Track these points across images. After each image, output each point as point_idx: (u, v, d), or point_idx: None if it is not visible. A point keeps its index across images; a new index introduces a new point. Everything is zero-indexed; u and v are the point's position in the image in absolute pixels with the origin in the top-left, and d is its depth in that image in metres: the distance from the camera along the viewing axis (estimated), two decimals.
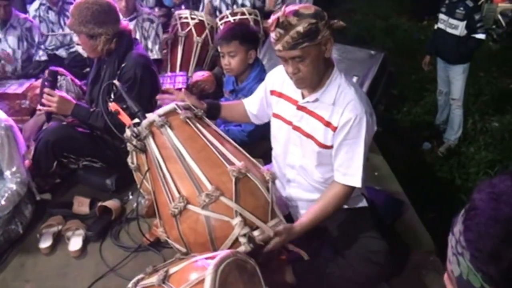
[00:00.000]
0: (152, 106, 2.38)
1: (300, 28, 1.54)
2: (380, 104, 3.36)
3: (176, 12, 3.86)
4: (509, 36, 6.40)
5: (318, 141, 1.76)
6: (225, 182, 1.56)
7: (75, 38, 3.39)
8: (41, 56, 3.67)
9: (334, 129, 1.71)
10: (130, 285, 1.38)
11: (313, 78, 1.69)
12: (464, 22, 3.78)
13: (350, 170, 1.73)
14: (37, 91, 2.61)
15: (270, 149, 2.05)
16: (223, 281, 1.18)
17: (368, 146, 1.76)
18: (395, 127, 4.43)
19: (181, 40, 3.64)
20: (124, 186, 2.43)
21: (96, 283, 1.92)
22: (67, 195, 2.46)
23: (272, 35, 1.60)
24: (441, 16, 3.99)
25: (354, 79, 2.78)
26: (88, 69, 3.40)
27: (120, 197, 2.38)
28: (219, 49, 2.58)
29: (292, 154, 1.89)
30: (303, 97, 1.80)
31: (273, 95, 1.93)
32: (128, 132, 1.72)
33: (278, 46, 1.59)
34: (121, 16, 2.48)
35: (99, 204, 2.27)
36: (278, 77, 1.90)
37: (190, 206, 1.55)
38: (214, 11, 4.02)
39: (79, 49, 3.52)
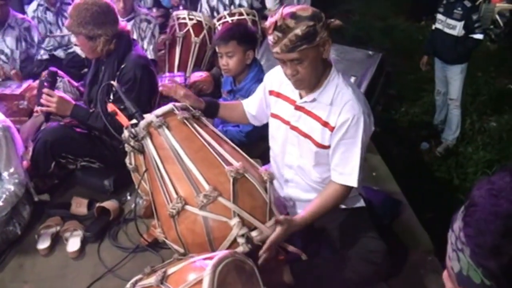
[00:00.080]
0: (151, 107, 2.38)
1: (298, 31, 1.54)
2: (378, 104, 3.36)
3: (174, 13, 3.87)
4: (507, 36, 6.40)
5: (316, 141, 1.77)
6: (223, 183, 1.56)
7: (73, 39, 3.38)
8: (43, 55, 3.68)
9: (332, 129, 1.71)
10: (128, 285, 1.38)
11: (312, 79, 1.70)
12: (462, 22, 3.78)
13: (347, 170, 1.73)
14: (35, 92, 2.61)
15: (268, 149, 2.05)
16: (221, 281, 1.18)
17: (366, 146, 1.76)
18: (393, 127, 4.42)
19: (179, 41, 3.64)
20: (122, 187, 2.42)
21: (95, 284, 1.91)
22: (65, 196, 2.46)
23: (270, 38, 1.60)
24: (439, 16, 3.98)
25: (352, 79, 2.79)
26: (86, 70, 3.39)
27: (118, 198, 2.37)
28: (217, 50, 2.58)
29: (290, 154, 1.89)
30: (301, 97, 1.80)
31: (271, 95, 1.94)
32: (126, 133, 1.72)
33: (276, 49, 1.59)
34: (119, 17, 2.47)
35: (97, 205, 2.27)
36: (276, 77, 1.90)
37: (188, 207, 1.55)
38: (211, 12, 4.03)
39: (77, 50, 3.52)
